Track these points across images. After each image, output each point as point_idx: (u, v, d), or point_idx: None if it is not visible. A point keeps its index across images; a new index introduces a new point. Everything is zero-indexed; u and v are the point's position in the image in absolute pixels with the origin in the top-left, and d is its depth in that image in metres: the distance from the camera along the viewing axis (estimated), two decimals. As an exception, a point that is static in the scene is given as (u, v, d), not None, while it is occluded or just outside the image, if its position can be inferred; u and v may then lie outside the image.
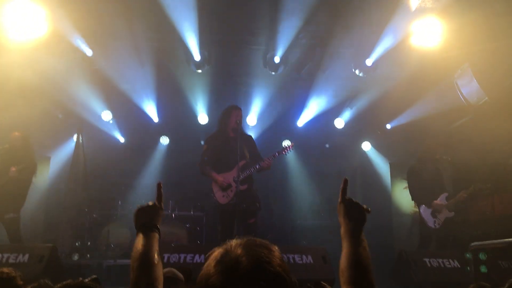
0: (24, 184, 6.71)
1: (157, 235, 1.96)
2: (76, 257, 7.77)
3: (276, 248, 1.37)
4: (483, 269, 6.76)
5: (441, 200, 6.88)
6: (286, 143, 10.12)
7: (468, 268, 7.00)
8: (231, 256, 1.29)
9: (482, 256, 7.34)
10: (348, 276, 1.73)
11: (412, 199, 7.20)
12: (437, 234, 6.84)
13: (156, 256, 1.85)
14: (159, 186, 2.18)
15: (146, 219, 2.01)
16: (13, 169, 6.47)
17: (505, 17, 5.94)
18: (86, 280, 1.99)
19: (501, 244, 4.90)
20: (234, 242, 1.36)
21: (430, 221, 6.78)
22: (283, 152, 6.12)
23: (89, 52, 7.54)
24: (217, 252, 1.35)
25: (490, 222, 7.78)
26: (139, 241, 1.90)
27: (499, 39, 6.32)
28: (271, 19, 6.87)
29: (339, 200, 2.01)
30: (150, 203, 2.09)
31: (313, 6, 6.39)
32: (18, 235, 6.50)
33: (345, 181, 2.04)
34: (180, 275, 3.05)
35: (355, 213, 1.94)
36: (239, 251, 1.30)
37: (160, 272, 1.84)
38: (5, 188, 6.45)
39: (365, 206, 1.97)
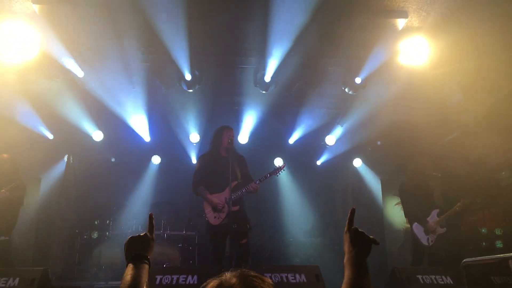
0: (14, 205, 6.65)
1: (147, 266, 1.94)
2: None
3: (269, 279, 1.42)
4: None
5: (432, 216, 6.91)
6: (278, 163, 10.13)
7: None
8: (226, 286, 1.33)
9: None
10: None
11: (405, 217, 7.23)
12: (429, 250, 6.83)
13: None
14: (150, 217, 2.15)
15: (137, 250, 1.99)
16: (3, 190, 6.43)
17: (489, 37, 6.08)
18: None
19: (493, 260, 4.90)
20: (228, 274, 1.41)
21: (423, 239, 6.79)
22: (275, 173, 6.14)
23: (80, 73, 7.53)
24: (212, 283, 1.39)
25: (482, 237, 7.83)
26: (128, 272, 1.88)
27: (484, 57, 6.45)
28: (262, 39, 6.94)
29: (345, 229, 2.00)
30: (142, 234, 2.07)
31: (302, 26, 6.47)
32: (9, 258, 6.41)
33: (352, 211, 2.03)
34: None
35: (360, 242, 1.92)
36: (233, 280, 1.35)
37: None
38: (-4, 210, 6.40)
39: (371, 237, 1.95)
